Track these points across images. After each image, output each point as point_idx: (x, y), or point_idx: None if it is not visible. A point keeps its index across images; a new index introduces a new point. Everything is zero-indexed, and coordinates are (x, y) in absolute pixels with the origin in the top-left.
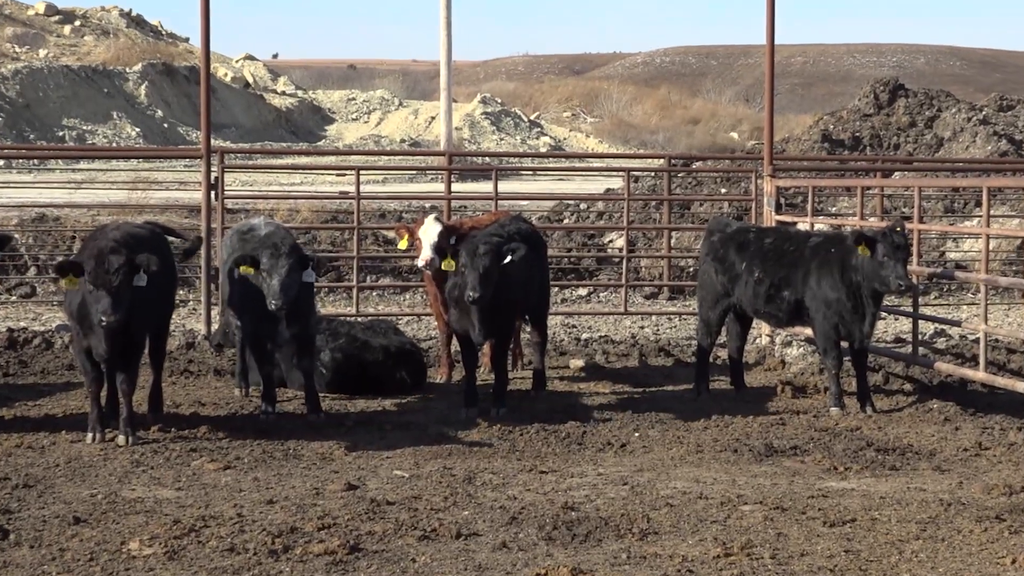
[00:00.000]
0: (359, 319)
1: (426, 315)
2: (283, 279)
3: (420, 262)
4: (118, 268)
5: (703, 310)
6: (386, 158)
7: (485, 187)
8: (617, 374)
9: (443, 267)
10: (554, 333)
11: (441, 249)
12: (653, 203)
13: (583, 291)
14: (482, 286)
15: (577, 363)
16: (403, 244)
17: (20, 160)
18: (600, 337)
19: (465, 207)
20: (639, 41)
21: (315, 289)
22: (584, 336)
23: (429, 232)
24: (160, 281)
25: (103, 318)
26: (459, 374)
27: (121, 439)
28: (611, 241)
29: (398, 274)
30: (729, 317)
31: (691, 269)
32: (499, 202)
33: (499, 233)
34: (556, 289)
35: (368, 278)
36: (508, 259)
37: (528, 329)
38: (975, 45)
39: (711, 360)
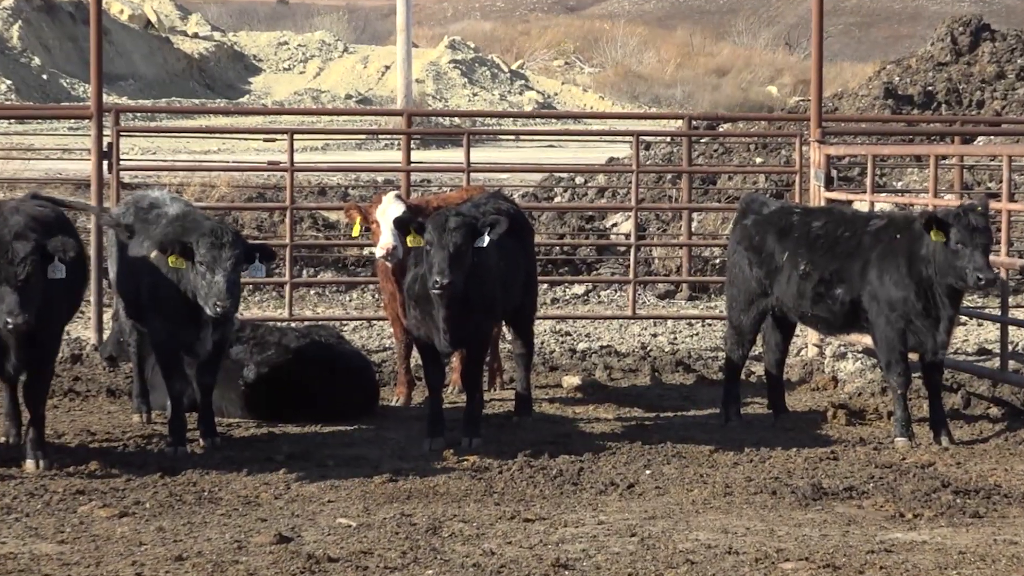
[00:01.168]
0: (292, 324)
1: (379, 319)
2: (229, 275)
3: (379, 251)
4: (25, 257)
5: (734, 313)
6: (327, 119)
7: (454, 156)
8: (623, 395)
9: (408, 243)
10: (543, 342)
11: (406, 235)
12: (669, 176)
13: (579, 288)
14: (452, 270)
15: (572, 381)
16: (356, 230)
17: None
18: (601, 348)
19: (428, 181)
20: None
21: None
22: (581, 346)
23: (389, 213)
24: (68, 272)
25: (8, 320)
26: (421, 395)
27: (30, 464)
28: (615, 225)
29: (343, 267)
30: (767, 323)
31: (717, 261)
32: (472, 175)
33: (473, 212)
34: (545, 286)
35: (304, 272)
36: (486, 238)
37: (509, 338)
38: None
39: (743, 377)
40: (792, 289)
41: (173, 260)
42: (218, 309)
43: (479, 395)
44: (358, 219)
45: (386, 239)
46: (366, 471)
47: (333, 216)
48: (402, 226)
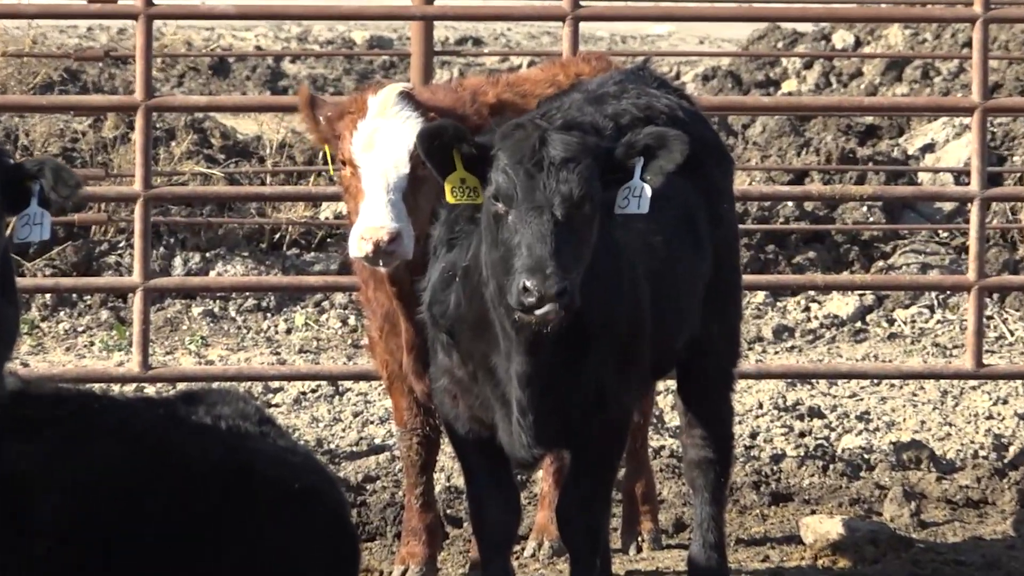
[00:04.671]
0: (151, 390)
1: (361, 379)
2: None
3: (357, 244)
4: None
5: None
6: None
7: None
8: (951, 562)
9: (451, 195)
10: (753, 432)
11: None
12: None
13: (843, 305)
14: (566, 262)
15: (826, 528)
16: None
17: None
18: (897, 446)
19: (478, 43)
20: None
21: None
22: (848, 443)
23: (382, 140)
24: None
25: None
26: (458, 562)
27: None
28: (930, 150)
29: (272, 251)
30: None
31: None
32: (581, 26)
33: (594, 120)
34: (760, 297)
35: (178, 262)
36: (641, 183)
37: (679, 423)
38: None
39: None
40: None
41: None
42: None
43: (601, 561)
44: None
45: (375, 216)
46: None
47: (247, 127)
48: (437, 154)
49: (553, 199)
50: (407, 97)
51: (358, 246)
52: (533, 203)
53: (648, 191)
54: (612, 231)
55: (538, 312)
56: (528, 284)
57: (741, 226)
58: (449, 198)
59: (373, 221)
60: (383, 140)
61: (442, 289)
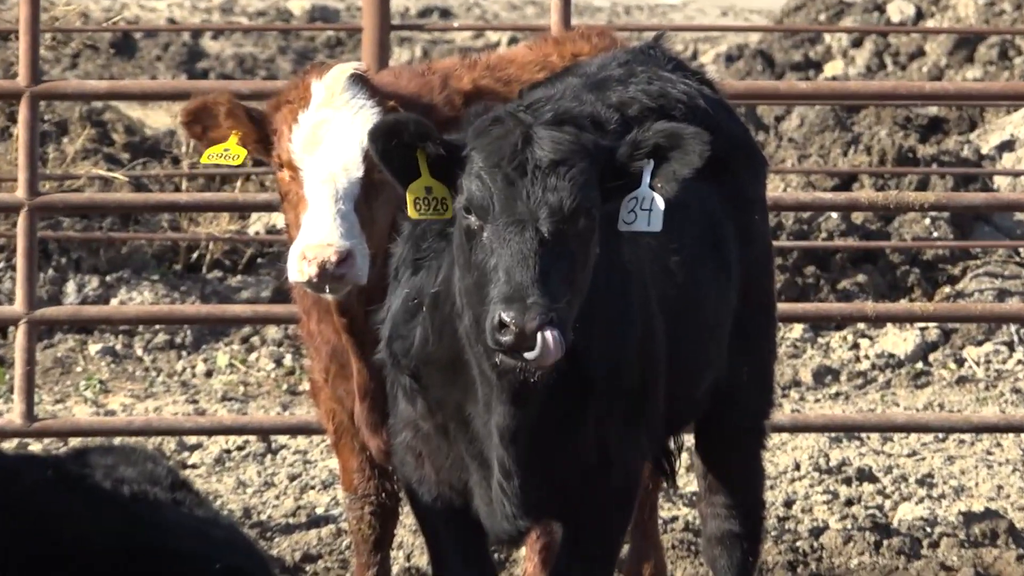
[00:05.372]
0: (39, 445)
1: (300, 433)
2: None
3: (298, 266)
4: None
5: None
6: None
7: None
8: None
9: (412, 211)
10: (787, 499)
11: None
12: None
13: (900, 340)
14: (553, 288)
15: None
16: (219, 150)
17: None
18: (968, 517)
19: (447, 14)
20: None
21: None
22: (905, 514)
23: (337, 130)
24: None
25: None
26: None
27: None
28: (1011, 147)
29: (190, 273)
30: None
31: None
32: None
33: (588, 113)
34: (797, 332)
35: (73, 286)
36: (650, 194)
37: (696, 487)
38: None
39: None
40: None
41: None
42: None
43: None
44: (234, 137)
45: (321, 232)
46: None
47: (158, 120)
48: (396, 157)
49: (538, 211)
50: (361, 81)
51: (299, 268)
52: (513, 216)
53: (660, 203)
54: (617, 250)
55: (514, 356)
56: (505, 317)
57: (775, 243)
58: (411, 212)
59: (318, 237)
60: (331, 136)
61: (405, 322)
